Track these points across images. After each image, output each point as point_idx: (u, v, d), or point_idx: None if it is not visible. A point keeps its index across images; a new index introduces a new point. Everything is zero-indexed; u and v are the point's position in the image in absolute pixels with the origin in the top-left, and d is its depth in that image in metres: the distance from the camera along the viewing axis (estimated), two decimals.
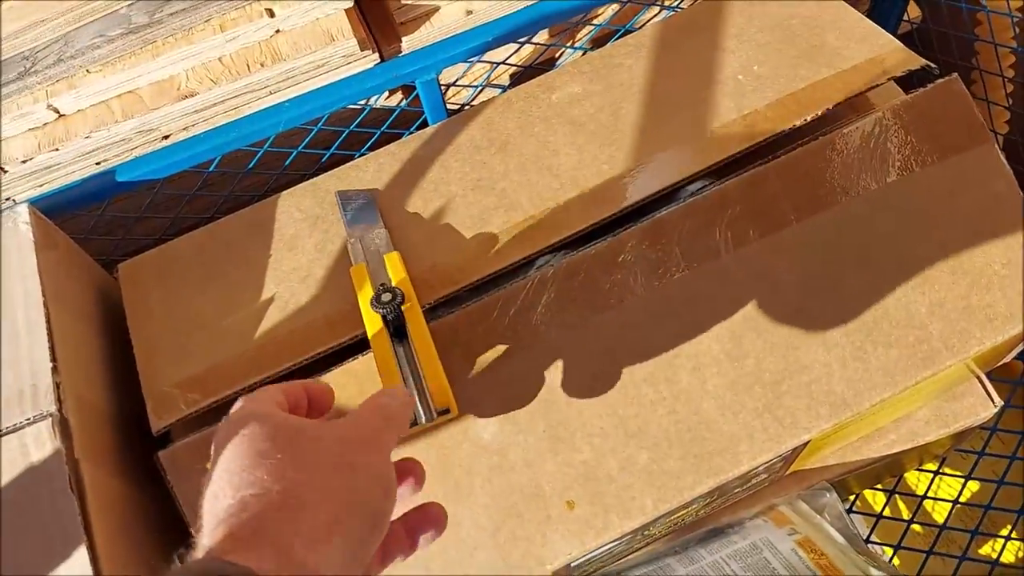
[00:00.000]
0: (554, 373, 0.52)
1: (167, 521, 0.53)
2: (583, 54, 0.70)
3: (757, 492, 0.62)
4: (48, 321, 0.52)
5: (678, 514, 0.55)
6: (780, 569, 0.57)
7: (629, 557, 0.60)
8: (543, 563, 0.50)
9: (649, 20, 0.78)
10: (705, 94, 0.60)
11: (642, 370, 0.52)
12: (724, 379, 0.52)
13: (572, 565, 0.52)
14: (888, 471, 0.72)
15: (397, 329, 0.51)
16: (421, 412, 0.46)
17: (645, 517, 0.51)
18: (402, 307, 0.51)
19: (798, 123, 0.57)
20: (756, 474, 0.55)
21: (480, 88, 0.72)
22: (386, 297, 0.51)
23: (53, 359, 0.50)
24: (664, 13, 0.76)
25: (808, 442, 0.53)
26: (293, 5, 0.63)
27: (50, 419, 0.48)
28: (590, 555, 0.52)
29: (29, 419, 0.48)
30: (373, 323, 0.51)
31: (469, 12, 0.67)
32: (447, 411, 0.47)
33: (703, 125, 0.58)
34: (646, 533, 0.55)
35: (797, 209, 0.55)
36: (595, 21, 0.75)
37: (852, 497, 0.76)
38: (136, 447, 0.54)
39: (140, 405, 0.54)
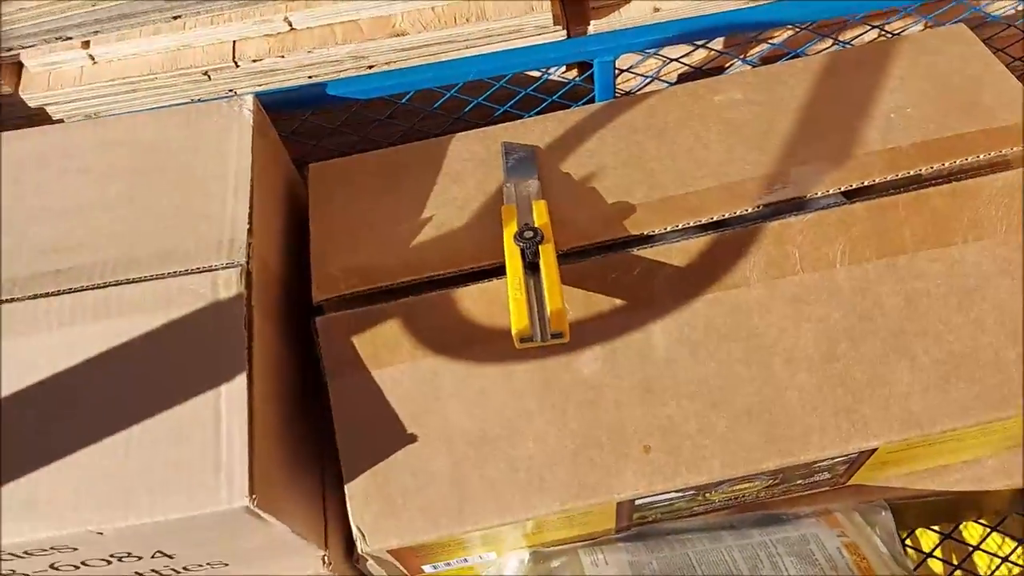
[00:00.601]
0: (660, 334, 0.58)
1: (304, 379, 0.62)
2: (751, 68, 0.75)
3: (816, 495, 0.66)
4: (251, 193, 0.61)
5: (740, 487, 0.60)
6: (822, 561, 0.60)
7: (688, 520, 0.65)
8: (612, 491, 0.56)
9: (820, 50, 0.82)
10: (856, 123, 0.64)
11: (739, 350, 0.57)
12: (811, 376, 0.56)
13: (636, 503, 0.58)
14: (946, 514, 0.74)
15: (531, 263, 0.57)
16: (538, 331, 0.53)
17: (711, 477, 0.56)
18: (540, 244, 0.57)
19: (936, 166, 0.60)
20: (819, 469, 0.59)
21: (649, 79, 0.77)
22: (528, 234, 0.58)
23: (250, 223, 0.59)
24: (836, 47, 0.80)
25: (874, 451, 0.57)
26: None
27: (239, 268, 0.57)
28: (654, 498, 0.58)
29: (223, 264, 0.57)
30: (512, 255, 0.58)
31: (656, 10, 0.73)
32: (560, 335, 0.53)
33: (847, 149, 0.62)
34: (708, 496, 0.60)
35: (916, 240, 0.58)
36: (769, 40, 0.80)
37: (905, 534, 0.78)
38: (295, 315, 0.63)
39: (306, 282, 0.62)
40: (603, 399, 0.57)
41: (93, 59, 0.71)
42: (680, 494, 0.58)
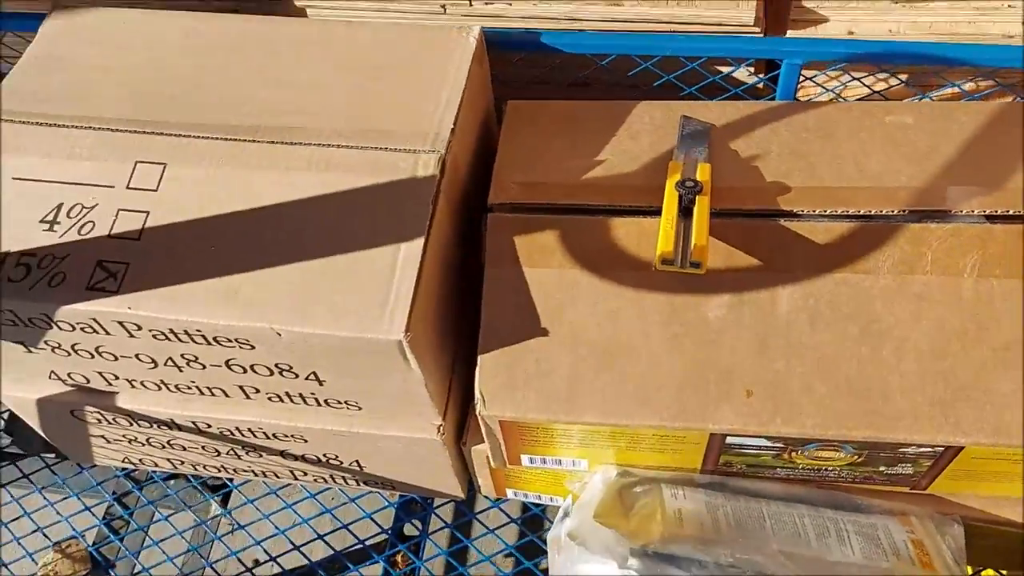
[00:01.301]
0: (786, 298, 0.63)
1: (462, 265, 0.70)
2: (927, 100, 0.79)
3: (894, 494, 0.68)
4: (460, 105, 0.70)
5: (825, 455, 0.63)
6: (887, 547, 0.63)
7: (768, 482, 0.69)
8: (707, 421, 0.61)
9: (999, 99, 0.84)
10: (1014, 164, 0.67)
11: (855, 329, 0.61)
12: (917, 366, 0.60)
13: (727, 441, 0.63)
14: (1018, 557, 0.74)
15: (686, 209, 0.64)
16: (679, 257, 0.59)
17: (802, 432, 0.60)
18: (697, 195, 0.64)
19: None
20: (904, 459, 0.62)
21: (828, 92, 0.82)
22: (689, 183, 0.64)
23: (453, 126, 0.68)
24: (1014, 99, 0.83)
25: (959, 451, 0.60)
26: None
27: (438, 156, 0.66)
28: (744, 442, 0.62)
29: (426, 150, 0.66)
30: (671, 197, 0.64)
31: (850, 32, 0.78)
32: (699, 265, 0.59)
33: (999, 182, 0.66)
34: (793, 457, 0.64)
35: None
36: (951, 81, 0.83)
37: (971, 570, 0.78)
38: (468, 209, 0.72)
39: (483, 189, 0.71)
40: (720, 342, 0.62)
41: None
42: (769, 444, 0.62)
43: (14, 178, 0.68)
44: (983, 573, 0.79)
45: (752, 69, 0.83)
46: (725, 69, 0.82)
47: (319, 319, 0.60)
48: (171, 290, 0.62)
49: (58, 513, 0.85)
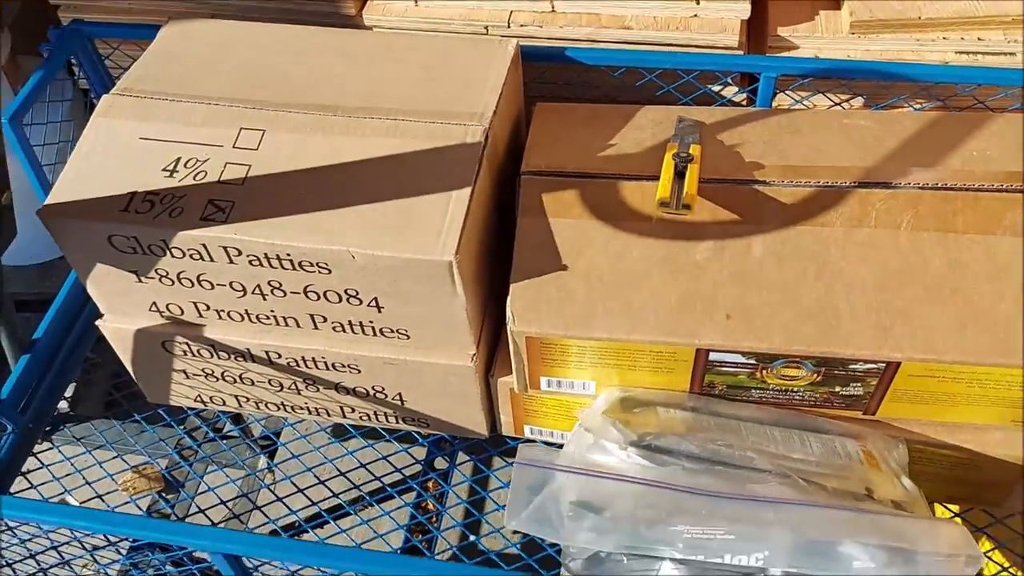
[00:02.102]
0: (759, 244, 0.77)
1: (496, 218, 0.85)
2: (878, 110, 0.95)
3: (847, 420, 0.81)
4: (500, 95, 0.86)
5: (791, 374, 0.77)
6: (841, 453, 0.76)
7: (744, 405, 0.82)
8: (695, 337, 0.75)
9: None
10: (946, 152, 0.82)
11: (813, 269, 0.75)
12: (863, 298, 0.74)
13: (710, 358, 0.76)
14: (956, 489, 0.86)
15: (679, 173, 0.79)
16: (674, 201, 0.74)
17: (771, 347, 0.73)
18: (688, 164, 0.79)
19: (995, 184, 0.78)
20: (854, 378, 0.75)
21: (798, 102, 0.99)
22: (683, 154, 0.80)
23: (495, 108, 0.84)
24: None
25: (898, 367, 0.73)
26: (713, 5, 0.95)
27: (483, 128, 0.81)
28: (725, 358, 0.76)
29: (474, 124, 0.82)
30: (668, 164, 0.79)
31: (816, 56, 0.95)
32: (688, 207, 0.74)
33: (933, 164, 0.81)
34: (764, 376, 0.77)
35: (966, 225, 0.75)
36: (898, 92, 0.98)
37: None
38: (503, 175, 0.87)
39: (515, 162, 0.86)
40: (705, 277, 0.77)
41: (416, 2, 1.00)
42: (744, 361, 0.76)
43: (141, 138, 0.83)
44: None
45: (736, 88, 0.99)
46: (715, 86, 0.98)
47: (387, 244, 0.75)
48: (269, 221, 0.77)
49: (133, 443, 0.98)
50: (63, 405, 1.15)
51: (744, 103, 1.00)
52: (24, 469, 0.96)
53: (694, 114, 0.90)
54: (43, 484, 0.95)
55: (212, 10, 1.07)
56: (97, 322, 0.90)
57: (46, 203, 0.79)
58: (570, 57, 0.94)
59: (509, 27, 0.98)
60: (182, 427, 0.99)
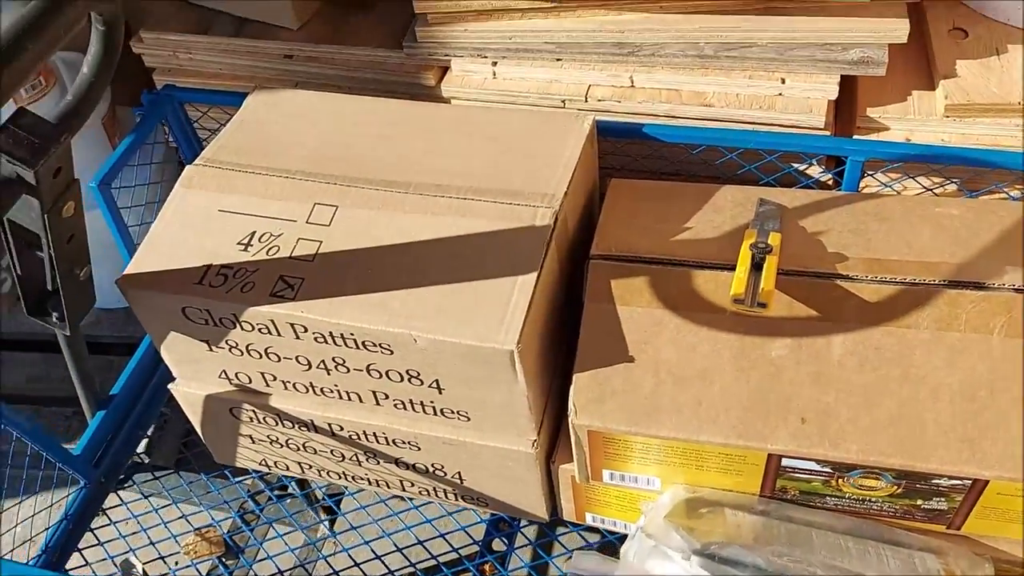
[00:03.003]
0: (839, 344, 0.74)
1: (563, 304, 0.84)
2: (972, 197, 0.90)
3: (931, 534, 0.76)
4: (572, 175, 0.85)
5: (869, 484, 0.73)
6: (921, 571, 0.71)
7: (817, 511, 0.78)
8: (766, 441, 0.72)
9: None
10: None
11: (897, 373, 0.72)
12: (950, 407, 0.69)
13: (783, 464, 0.73)
14: None
15: (757, 265, 0.76)
16: (749, 298, 0.71)
17: (847, 456, 0.70)
18: (767, 255, 0.76)
19: None
20: (938, 492, 0.71)
21: (887, 185, 0.95)
22: (761, 245, 0.77)
23: (566, 190, 0.83)
24: None
25: (986, 485, 0.69)
26: (799, 84, 0.92)
27: (552, 211, 0.80)
28: (798, 464, 0.72)
29: (544, 206, 0.81)
30: (745, 254, 0.77)
31: (908, 139, 0.91)
32: (764, 306, 0.71)
33: None
34: (840, 485, 0.73)
35: None
36: (996, 179, 0.93)
37: None
38: (571, 259, 0.86)
39: (586, 243, 0.85)
40: (781, 376, 0.74)
41: (495, 74, 1.01)
42: (819, 469, 0.72)
43: (219, 210, 0.86)
44: None
45: (823, 167, 0.96)
46: (799, 165, 0.96)
47: (449, 329, 0.75)
48: (335, 300, 0.78)
49: (198, 502, 1.00)
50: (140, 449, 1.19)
51: (830, 184, 0.97)
52: (93, 525, 0.99)
53: (776, 196, 0.88)
54: (110, 541, 0.97)
55: (298, 77, 1.10)
56: (169, 386, 0.93)
57: (124, 273, 0.82)
58: (648, 134, 0.92)
59: (586, 101, 0.98)
60: (246, 489, 1.01)
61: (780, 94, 0.93)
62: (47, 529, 0.96)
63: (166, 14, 1.15)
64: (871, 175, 0.93)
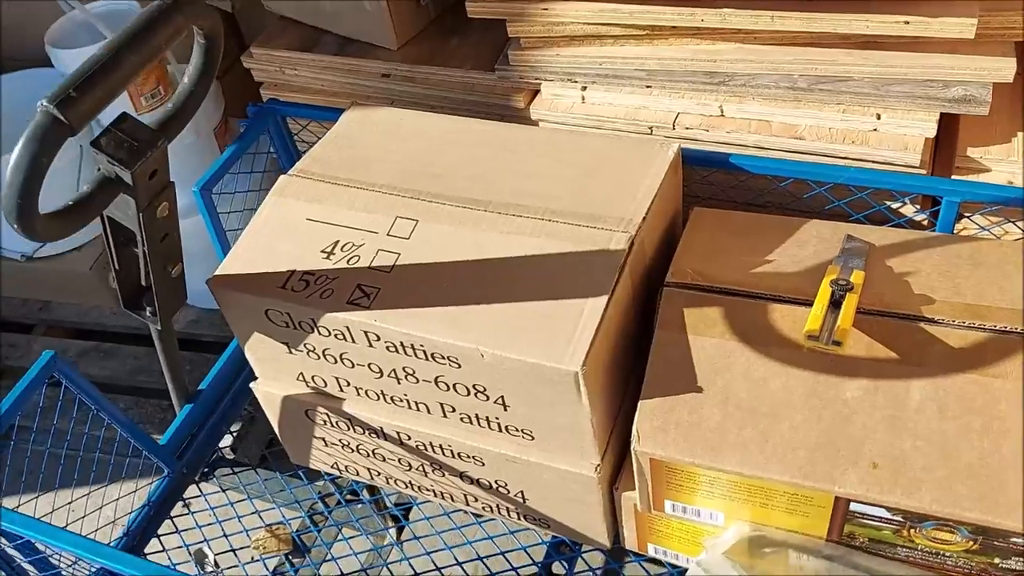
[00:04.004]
0: (919, 388, 0.70)
1: (633, 330, 0.83)
2: None
3: None
4: (652, 201, 0.84)
5: (942, 537, 0.69)
6: None
7: (887, 561, 0.74)
8: (834, 484, 0.69)
9: None
10: None
11: (979, 423, 0.68)
12: None
13: (851, 509, 0.70)
14: None
15: (836, 302, 0.74)
16: (824, 335, 0.69)
17: (919, 506, 0.67)
18: (847, 292, 0.74)
19: None
20: (1016, 550, 0.67)
21: (984, 229, 0.90)
22: (842, 282, 0.75)
23: (644, 216, 0.83)
24: None
25: None
26: (895, 120, 0.90)
27: (628, 236, 0.80)
28: (867, 510, 0.69)
29: (620, 231, 0.81)
30: (824, 292, 0.75)
31: (1010, 182, 0.87)
32: (839, 344, 0.69)
33: None
34: (912, 535, 0.70)
35: None
36: None
37: None
38: (645, 284, 0.85)
39: (661, 270, 0.84)
40: (854, 418, 0.71)
41: (583, 99, 1.02)
42: (889, 517, 0.69)
43: (307, 219, 0.89)
44: None
45: (918, 206, 0.93)
46: (892, 203, 0.92)
47: (516, 346, 0.75)
48: (408, 311, 0.79)
49: (272, 500, 1.03)
50: (225, 444, 1.23)
51: (924, 224, 0.93)
52: (172, 513, 1.03)
53: (864, 234, 0.85)
54: (187, 530, 1.01)
55: (395, 95, 1.14)
56: (251, 384, 0.97)
57: (215, 274, 0.86)
58: (735, 164, 0.91)
59: (674, 129, 0.98)
60: (317, 491, 1.03)
61: (875, 129, 0.91)
62: (130, 513, 1.01)
63: (276, 31, 1.20)
64: (968, 217, 0.89)
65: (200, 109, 1.45)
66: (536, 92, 1.06)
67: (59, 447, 1.01)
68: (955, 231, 0.89)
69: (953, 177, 0.89)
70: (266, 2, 1.22)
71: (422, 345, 0.79)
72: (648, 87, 0.98)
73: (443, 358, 0.80)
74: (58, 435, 1.00)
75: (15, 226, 0.57)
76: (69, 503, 1.00)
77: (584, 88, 1.01)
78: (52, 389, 0.90)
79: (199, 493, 1.06)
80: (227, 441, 1.18)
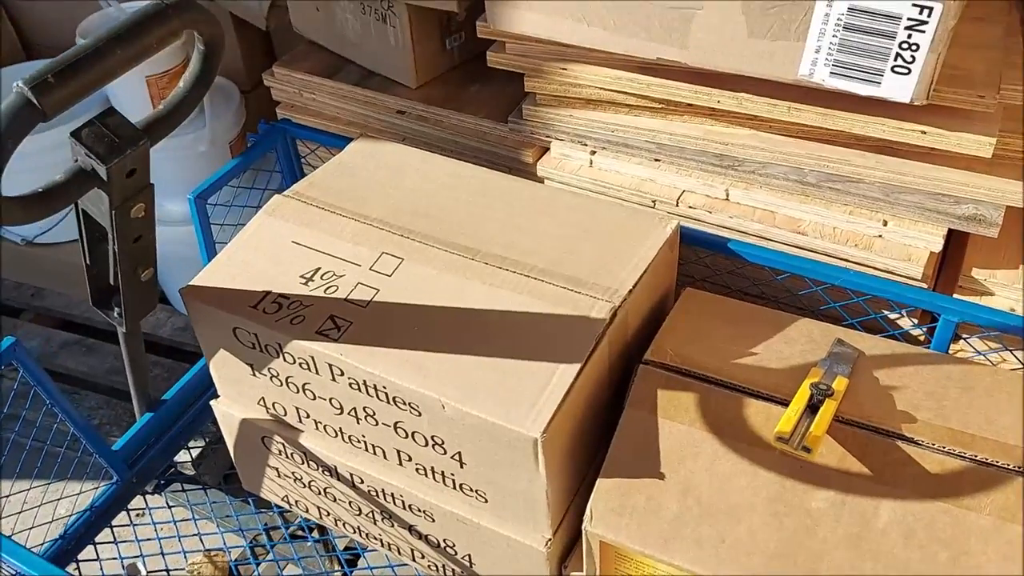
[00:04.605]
0: (888, 511, 0.67)
1: (603, 406, 0.80)
2: None
3: None
4: (642, 275, 0.82)
5: None
6: None
7: None
8: None
9: None
10: None
11: (946, 558, 0.64)
12: None
13: None
14: None
15: (813, 407, 0.71)
16: (796, 439, 0.66)
17: None
18: (827, 397, 0.71)
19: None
20: None
21: (980, 354, 0.87)
22: (823, 386, 0.72)
23: (632, 287, 0.80)
24: None
25: None
26: (901, 230, 0.87)
27: (611, 307, 0.78)
28: None
29: (603, 299, 0.78)
30: (802, 393, 0.72)
31: (1012, 310, 0.84)
32: (809, 451, 0.65)
33: None
34: None
35: None
36: None
37: None
38: (623, 359, 0.82)
39: (641, 346, 0.81)
40: (816, 530, 0.67)
41: (591, 163, 1.01)
42: None
43: (293, 241, 0.87)
44: None
45: (915, 320, 0.90)
46: (889, 313, 0.90)
47: (478, 403, 0.72)
48: (377, 350, 0.77)
49: (217, 523, 1.00)
50: (187, 462, 1.20)
51: (919, 340, 0.90)
52: (114, 523, 1.00)
53: (856, 340, 0.82)
54: (125, 542, 0.98)
55: (406, 133, 1.13)
56: (212, 401, 0.94)
57: (188, 284, 0.84)
58: (733, 250, 0.89)
59: (677, 205, 0.96)
60: (264, 523, 1.00)
61: (880, 236, 0.88)
62: (69, 516, 0.98)
63: (302, 54, 1.20)
64: (965, 339, 0.86)
65: (219, 120, 1.47)
66: (546, 149, 1.04)
67: (24, 436, 0.99)
68: (950, 351, 0.86)
69: (955, 296, 0.87)
70: (295, 25, 1.23)
71: (384, 387, 0.77)
72: (657, 160, 0.96)
73: (404, 403, 0.77)
74: (25, 425, 0.98)
75: None
76: (25, 492, 0.97)
77: (593, 152, 1.00)
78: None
79: (144, 506, 1.03)
80: (189, 458, 1.15)
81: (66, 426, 0.94)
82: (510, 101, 1.07)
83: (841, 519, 0.67)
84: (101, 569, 0.97)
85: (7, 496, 0.96)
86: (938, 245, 0.86)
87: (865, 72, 0.78)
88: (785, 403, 0.73)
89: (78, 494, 1.02)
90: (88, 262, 0.74)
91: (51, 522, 0.98)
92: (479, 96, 1.11)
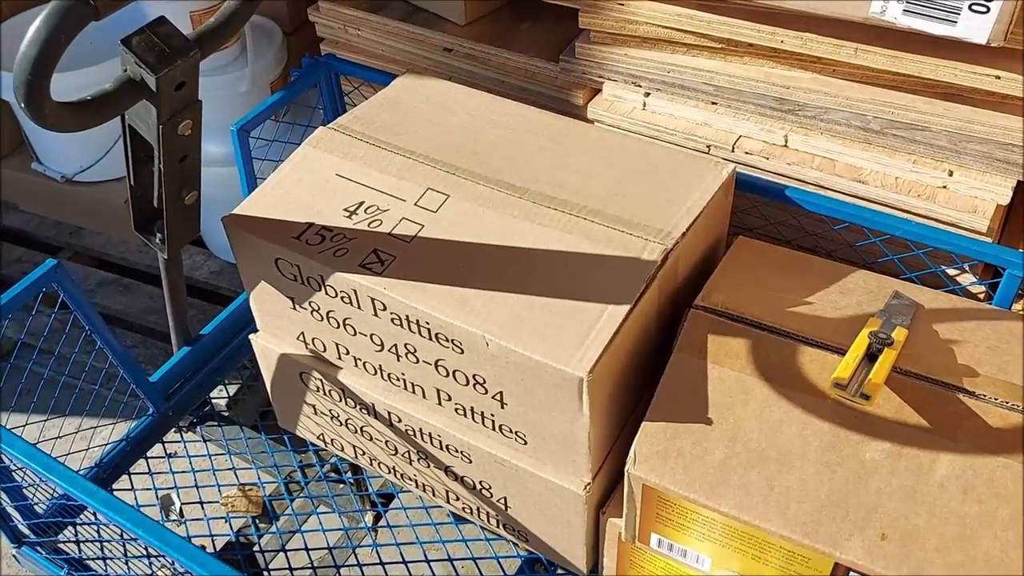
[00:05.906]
0: (945, 463, 0.65)
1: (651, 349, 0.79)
2: None
3: None
4: (696, 218, 0.80)
5: None
6: None
7: None
8: (836, 548, 0.64)
9: None
10: None
11: (1007, 513, 0.62)
12: None
13: (851, 573, 0.65)
14: None
15: (872, 355, 0.69)
16: (853, 386, 0.64)
17: None
18: (886, 346, 0.69)
19: None
20: None
21: None
22: (882, 335, 0.70)
23: (685, 230, 0.78)
24: None
25: None
26: (967, 180, 0.84)
27: (663, 248, 0.76)
28: None
29: (655, 242, 0.77)
30: (861, 341, 0.70)
31: None
32: (868, 398, 0.64)
33: None
34: None
35: None
36: None
37: None
38: (673, 302, 0.81)
39: (693, 289, 0.80)
40: (870, 481, 0.66)
41: (645, 105, 0.98)
42: None
43: (337, 174, 0.86)
44: None
45: (977, 276, 0.87)
46: (949, 269, 0.87)
47: (523, 340, 0.71)
48: (420, 285, 0.76)
49: (251, 460, 1.00)
50: (221, 403, 1.21)
51: (980, 297, 0.87)
52: (150, 454, 1.01)
53: (914, 293, 0.80)
54: (160, 474, 0.98)
55: (453, 72, 1.11)
56: (250, 336, 0.94)
57: (231, 213, 0.83)
58: (790, 198, 0.87)
59: (733, 151, 0.93)
60: (299, 461, 1.00)
61: (944, 186, 0.86)
62: (105, 446, 0.98)
63: None
64: None
65: (261, 61, 1.45)
66: (597, 91, 1.02)
67: (59, 373, 0.99)
68: (1012, 308, 0.83)
69: (1022, 250, 0.84)
70: None
71: (427, 323, 0.76)
72: (714, 103, 0.94)
73: (447, 340, 0.76)
74: (59, 361, 0.99)
75: (22, 104, 0.55)
76: (59, 425, 0.98)
77: (647, 94, 0.98)
78: (64, 314, 0.88)
79: (180, 440, 1.04)
80: (223, 399, 1.15)
81: (100, 363, 0.95)
82: (561, 40, 1.05)
83: (896, 471, 0.66)
84: (135, 499, 0.98)
85: (42, 423, 0.97)
86: (1006, 198, 0.83)
87: (941, 10, 0.75)
88: (841, 352, 0.71)
89: (112, 428, 1.03)
90: (133, 183, 0.73)
91: (87, 450, 0.99)
92: (529, 34, 1.08)
